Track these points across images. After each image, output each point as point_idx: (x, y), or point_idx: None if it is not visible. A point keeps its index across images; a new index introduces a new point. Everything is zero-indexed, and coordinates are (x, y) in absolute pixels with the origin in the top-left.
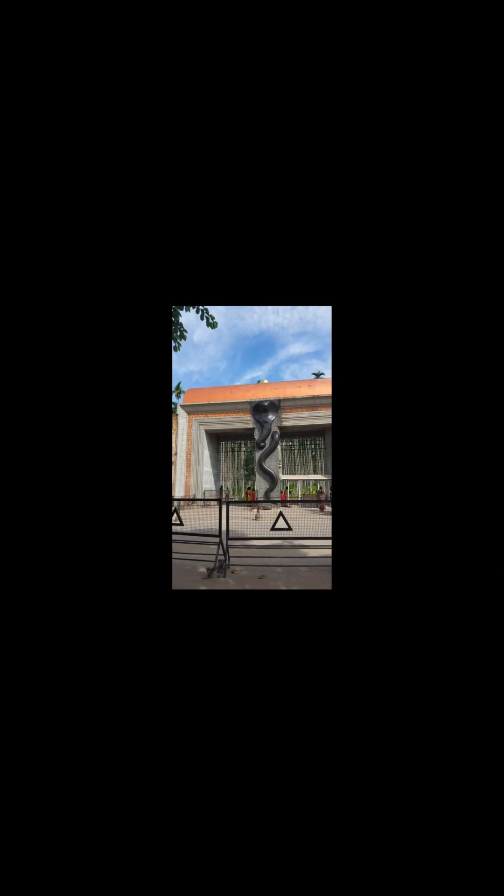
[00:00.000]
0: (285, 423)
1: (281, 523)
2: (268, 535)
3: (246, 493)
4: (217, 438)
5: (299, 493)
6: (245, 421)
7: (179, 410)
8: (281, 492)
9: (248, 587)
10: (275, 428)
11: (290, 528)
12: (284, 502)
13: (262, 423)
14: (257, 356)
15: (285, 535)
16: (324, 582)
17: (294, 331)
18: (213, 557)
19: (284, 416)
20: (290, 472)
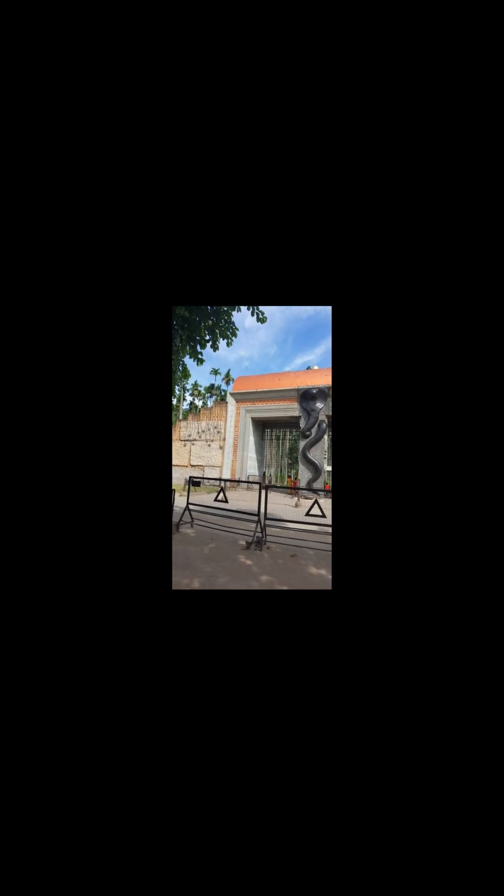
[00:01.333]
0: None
1: (315, 510)
2: (303, 520)
3: (287, 481)
4: (262, 426)
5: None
6: (290, 409)
7: (228, 398)
8: (326, 482)
9: (280, 562)
10: (322, 416)
11: (323, 516)
12: (328, 493)
13: (308, 412)
14: (309, 339)
15: (319, 522)
16: None
17: None
18: (251, 534)
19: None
20: None
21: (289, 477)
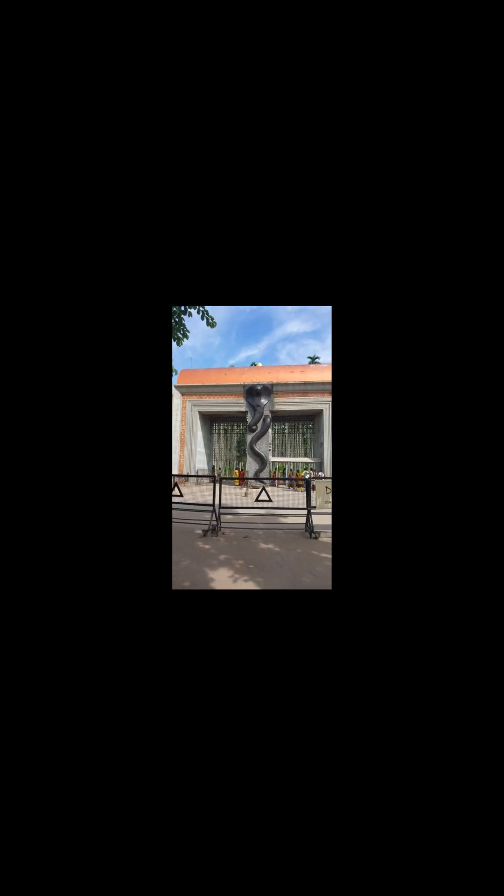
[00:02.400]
0: (277, 408)
1: (263, 496)
2: (252, 506)
3: (235, 473)
4: (210, 420)
5: (287, 473)
6: (238, 404)
7: (174, 391)
8: (272, 472)
9: (235, 543)
10: (267, 412)
11: (270, 500)
12: (274, 480)
13: (254, 407)
14: (253, 333)
15: (266, 506)
16: (297, 543)
17: (293, 307)
18: (207, 523)
19: (277, 400)
20: (281, 455)
21: (237, 469)
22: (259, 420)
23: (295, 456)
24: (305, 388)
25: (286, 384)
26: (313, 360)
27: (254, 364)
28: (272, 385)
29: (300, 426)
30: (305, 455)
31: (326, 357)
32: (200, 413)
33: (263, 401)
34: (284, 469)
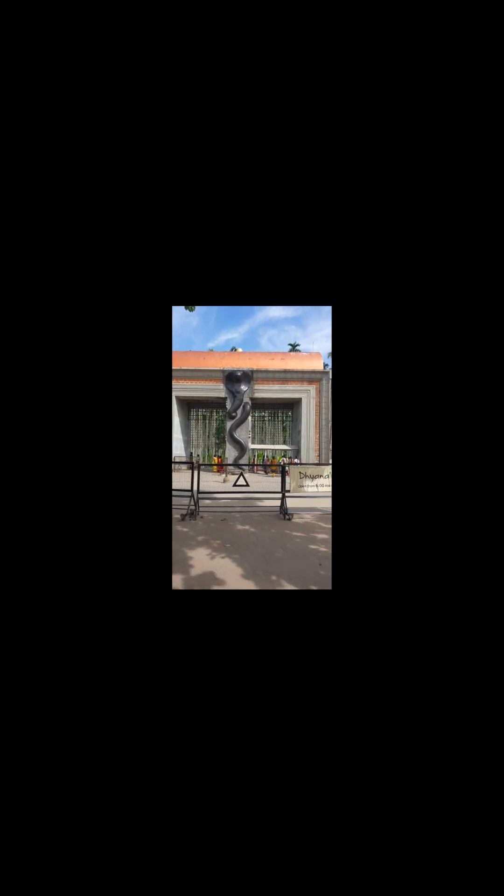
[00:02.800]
0: (257, 395)
1: (241, 481)
2: (230, 490)
3: (214, 460)
4: (187, 405)
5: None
6: (217, 389)
7: None
8: (251, 459)
9: (212, 526)
10: (247, 399)
11: (247, 485)
12: (252, 467)
13: (234, 393)
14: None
15: (244, 491)
16: (271, 524)
17: None
18: (185, 508)
19: (256, 387)
20: (261, 442)
21: (216, 456)
22: (239, 407)
23: (274, 443)
24: (286, 376)
25: (266, 371)
26: (294, 347)
27: (234, 349)
28: (252, 371)
29: (280, 414)
30: (284, 443)
31: (306, 345)
32: (177, 398)
33: (243, 387)
34: (264, 456)
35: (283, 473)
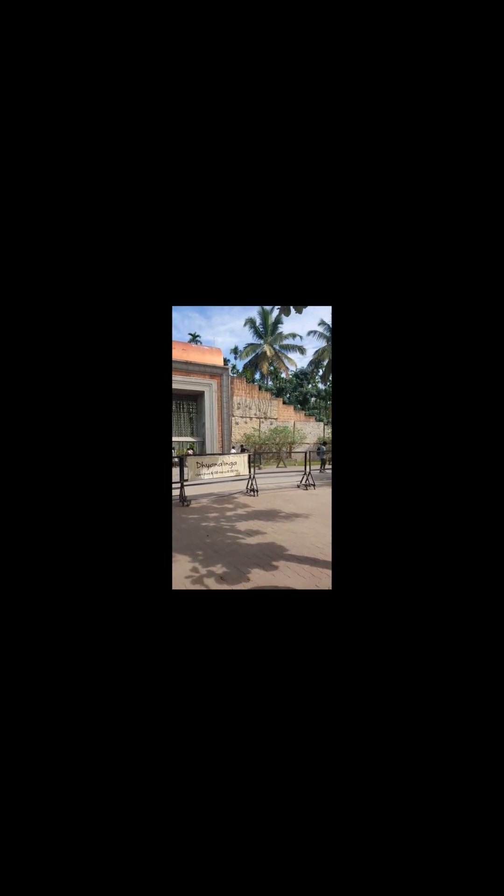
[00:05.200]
0: None
1: None
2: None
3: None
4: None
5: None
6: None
7: None
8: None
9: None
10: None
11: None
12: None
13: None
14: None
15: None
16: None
17: None
18: None
19: None
20: None
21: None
22: None
23: (181, 435)
24: (189, 368)
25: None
26: (194, 337)
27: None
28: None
29: (184, 405)
30: (191, 434)
31: (207, 336)
32: None
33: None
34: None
35: (182, 465)
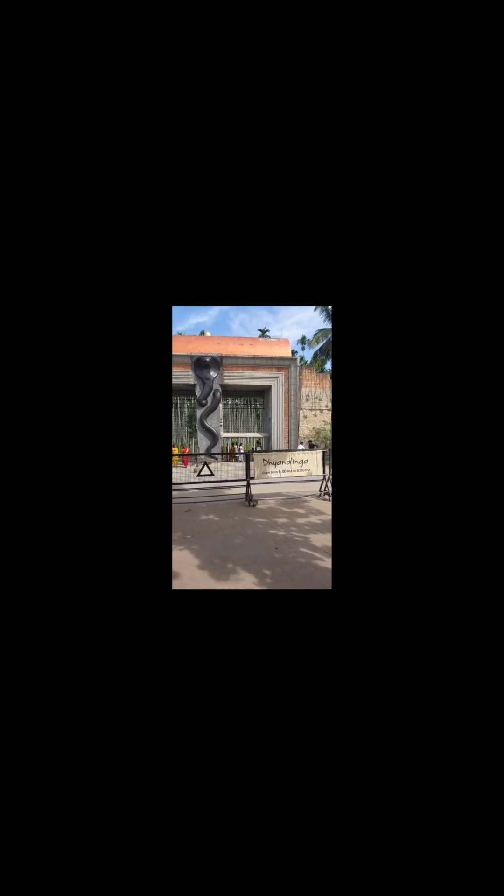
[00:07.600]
0: (227, 381)
1: (205, 471)
2: (195, 480)
3: (183, 451)
4: None
5: (239, 448)
6: (185, 375)
7: None
8: (224, 448)
9: (175, 517)
10: (217, 385)
11: (212, 474)
12: (220, 456)
13: (203, 380)
14: None
15: (210, 480)
16: (236, 512)
17: None
18: None
19: (226, 373)
20: (234, 430)
21: (183, 447)
22: (209, 394)
23: (248, 431)
24: (255, 363)
25: (235, 357)
26: (263, 332)
27: (202, 333)
28: (221, 357)
29: (252, 401)
30: (258, 430)
31: (276, 332)
32: None
33: (213, 374)
34: (238, 444)
35: (248, 461)
